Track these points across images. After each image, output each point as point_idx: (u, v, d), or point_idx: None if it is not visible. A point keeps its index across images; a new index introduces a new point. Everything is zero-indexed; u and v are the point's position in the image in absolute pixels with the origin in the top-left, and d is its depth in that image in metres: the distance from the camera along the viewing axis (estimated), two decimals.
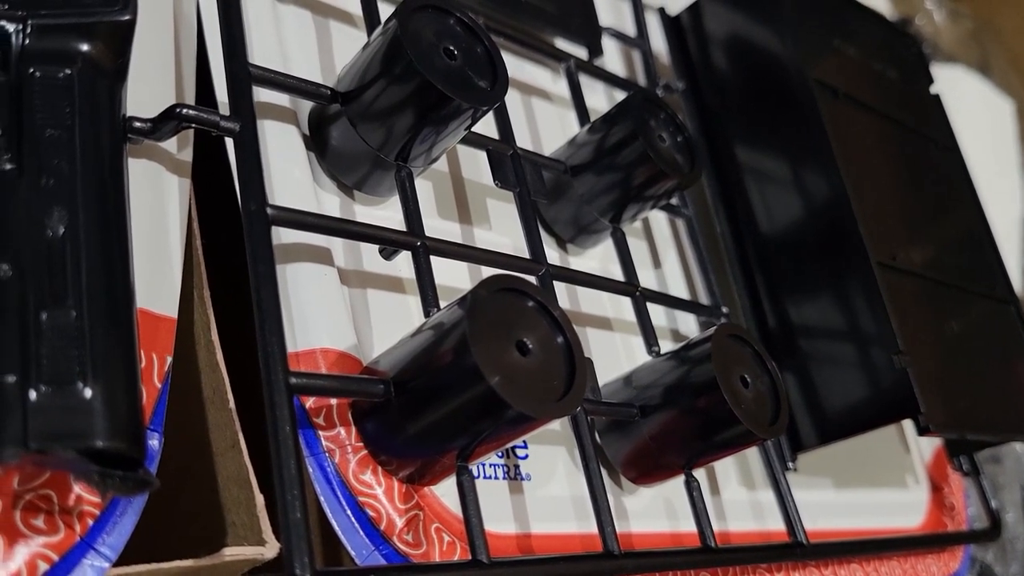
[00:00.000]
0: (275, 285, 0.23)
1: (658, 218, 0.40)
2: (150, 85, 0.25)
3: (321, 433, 0.24)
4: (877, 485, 0.43)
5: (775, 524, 0.35)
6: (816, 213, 0.37)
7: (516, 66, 0.38)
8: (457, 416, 0.23)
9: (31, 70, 0.20)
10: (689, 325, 0.38)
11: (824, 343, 0.37)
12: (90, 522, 0.20)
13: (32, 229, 0.19)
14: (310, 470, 0.24)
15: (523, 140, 0.36)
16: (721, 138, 0.41)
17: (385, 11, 0.30)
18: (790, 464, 0.36)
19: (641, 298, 0.33)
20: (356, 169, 0.28)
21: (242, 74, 0.25)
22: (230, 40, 0.25)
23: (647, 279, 0.38)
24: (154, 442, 0.22)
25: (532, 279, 0.30)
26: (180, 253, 0.24)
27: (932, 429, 0.33)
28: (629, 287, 0.33)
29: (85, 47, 0.21)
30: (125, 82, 0.22)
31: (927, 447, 0.47)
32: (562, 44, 0.39)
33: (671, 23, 0.43)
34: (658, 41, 0.43)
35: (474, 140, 0.31)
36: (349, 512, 0.24)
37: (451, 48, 0.27)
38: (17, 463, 0.17)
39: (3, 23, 0.20)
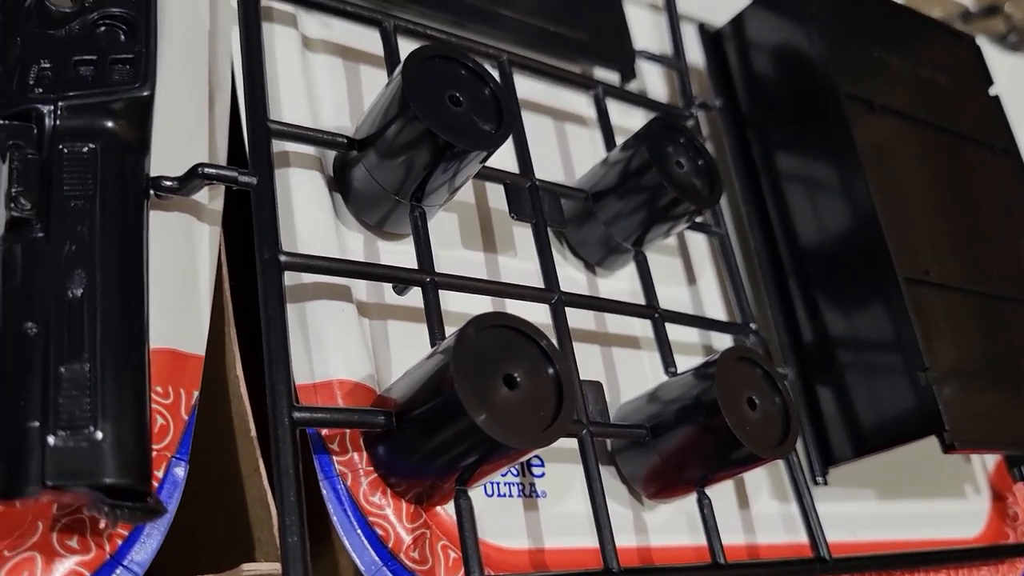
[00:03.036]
0: (284, 327, 0.25)
1: (694, 235, 0.41)
2: (184, 137, 0.28)
3: (335, 458, 0.26)
4: (933, 495, 0.42)
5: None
6: (847, 228, 0.37)
7: (550, 92, 0.39)
8: (448, 447, 0.25)
9: (60, 146, 0.23)
10: (724, 340, 0.39)
11: (857, 358, 0.37)
12: (119, 542, 0.23)
13: (56, 290, 0.21)
14: (324, 492, 0.26)
15: (555, 166, 0.38)
16: (758, 153, 0.41)
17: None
18: (819, 479, 0.37)
19: (660, 320, 0.34)
20: (377, 209, 0.30)
21: (260, 130, 0.27)
22: (251, 98, 0.28)
23: (681, 296, 0.39)
24: (179, 470, 0.24)
25: (545, 307, 0.31)
26: (209, 296, 0.27)
27: (957, 446, 0.33)
28: (648, 310, 0.34)
29: (109, 124, 0.24)
30: (148, 150, 0.25)
31: (989, 456, 0.46)
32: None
33: (710, 39, 0.44)
34: (696, 56, 0.44)
35: (492, 175, 0.33)
36: (359, 531, 0.26)
37: (456, 95, 0.29)
38: (36, 498, 0.19)
39: (39, 106, 0.23)
